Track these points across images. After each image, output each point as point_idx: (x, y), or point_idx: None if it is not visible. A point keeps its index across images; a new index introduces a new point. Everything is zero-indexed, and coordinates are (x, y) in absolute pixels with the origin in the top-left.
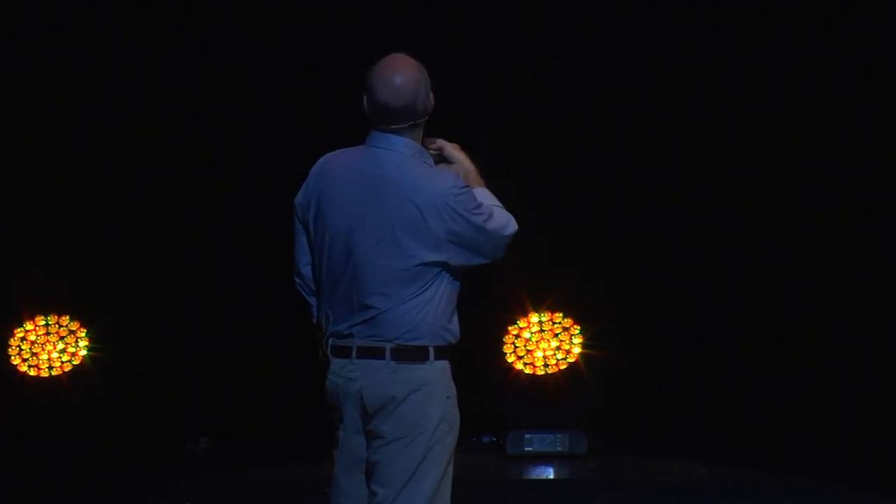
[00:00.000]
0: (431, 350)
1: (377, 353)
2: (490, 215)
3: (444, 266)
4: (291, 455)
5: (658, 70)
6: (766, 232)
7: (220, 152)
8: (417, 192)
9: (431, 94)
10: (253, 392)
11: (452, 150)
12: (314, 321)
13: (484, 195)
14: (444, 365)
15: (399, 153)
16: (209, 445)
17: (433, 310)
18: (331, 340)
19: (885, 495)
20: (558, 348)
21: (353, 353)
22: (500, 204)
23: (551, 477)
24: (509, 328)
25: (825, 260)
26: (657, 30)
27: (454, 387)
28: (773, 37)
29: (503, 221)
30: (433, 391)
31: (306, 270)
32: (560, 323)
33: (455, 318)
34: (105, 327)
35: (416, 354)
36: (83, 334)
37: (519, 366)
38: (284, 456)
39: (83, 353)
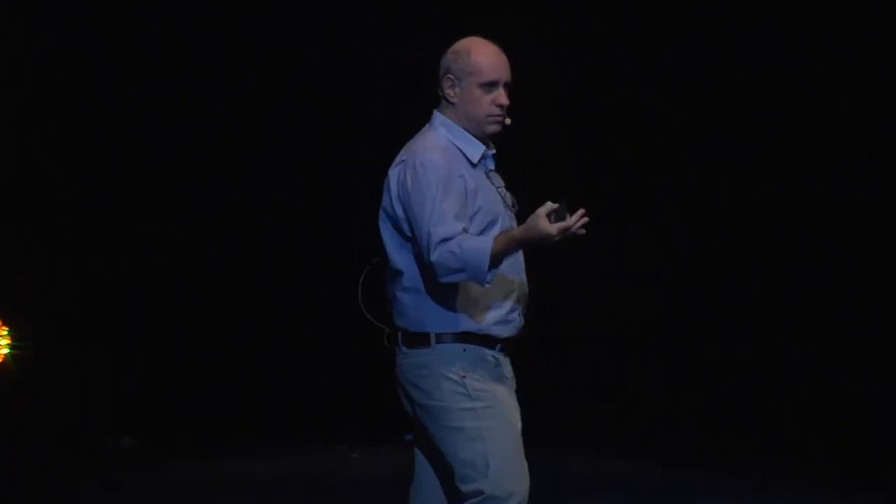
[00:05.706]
0: (433, 336)
1: (396, 339)
2: (428, 212)
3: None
4: (216, 453)
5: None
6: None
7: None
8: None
9: (448, 86)
10: (175, 389)
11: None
12: None
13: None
14: (452, 348)
15: (430, 125)
16: (131, 444)
17: (432, 296)
18: None
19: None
20: None
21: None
22: (480, 250)
23: None
24: None
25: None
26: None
27: (470, 365)
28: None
29: (431, 229)
30: (438, 373)
31: None
32: None
33: (477, 307)
34: (25, 325)
35: (419, 339)
36: (5, 332)
37: None
38: (209, 453)
39: (4, 351)
